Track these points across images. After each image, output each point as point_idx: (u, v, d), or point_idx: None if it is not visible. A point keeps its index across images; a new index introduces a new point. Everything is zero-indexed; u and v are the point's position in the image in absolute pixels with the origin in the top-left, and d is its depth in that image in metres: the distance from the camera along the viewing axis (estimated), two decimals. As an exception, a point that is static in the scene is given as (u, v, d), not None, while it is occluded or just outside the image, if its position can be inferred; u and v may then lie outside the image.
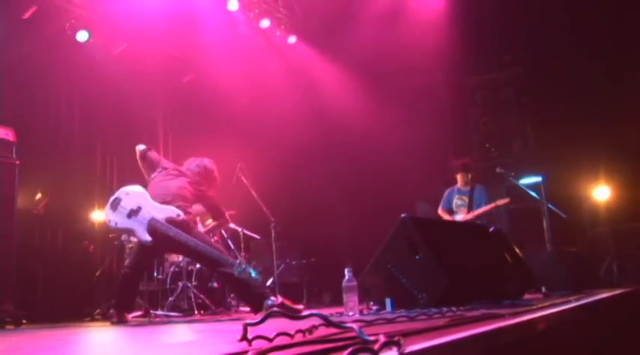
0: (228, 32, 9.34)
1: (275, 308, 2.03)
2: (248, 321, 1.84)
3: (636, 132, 7.87)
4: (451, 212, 7.63)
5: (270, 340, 1.81)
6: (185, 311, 6.66)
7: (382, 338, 1.50)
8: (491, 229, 5.39)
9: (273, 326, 2.00)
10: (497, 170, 7.49)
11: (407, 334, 1.86)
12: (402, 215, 4.28)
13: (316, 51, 10.19)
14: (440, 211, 7.73)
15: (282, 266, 8.31)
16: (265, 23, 9.52)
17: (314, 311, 1.81)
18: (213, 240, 5.58)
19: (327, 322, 1.81)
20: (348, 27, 9.59)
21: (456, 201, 7.60)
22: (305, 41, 10.12)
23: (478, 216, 7.29)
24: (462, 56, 9.39)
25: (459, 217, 7.47)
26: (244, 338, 1.78)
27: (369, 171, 9.70)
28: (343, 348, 1.43)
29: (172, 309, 6.68)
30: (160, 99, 9.63)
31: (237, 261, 4.69)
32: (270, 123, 9.64)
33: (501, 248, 5.16)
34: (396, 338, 1.51)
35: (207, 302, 6.82)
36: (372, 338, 1.57)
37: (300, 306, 5.26)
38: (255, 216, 7.77)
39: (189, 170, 5.46)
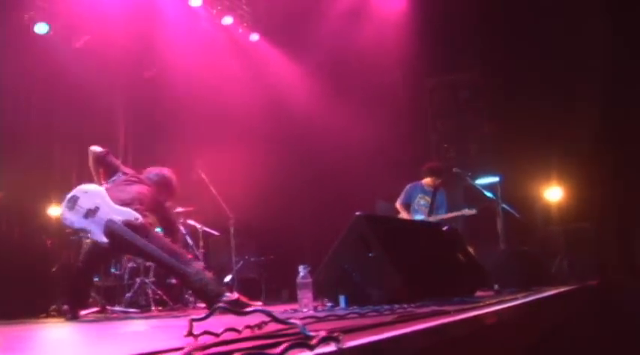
0: (191, 28, 9.31)
1: (221, 305, 2.07)
2: (194, 317, 1.87)
3: (587, 136, 8.13)
4: (408, 207, 7.66)
5: (217, 335, 1.85)
6: (143, 307, 6.59)
7: (322, 334, 1.55)
8: (445, 228, 5.51)
9: (224, 322, 2.03)
10: (454, 170, 7.58)
11: (351, 330, 1.91)
12: (357, 213, 4.36)
13: (278, 48, 10.22)
14: (398, 205, 7.71)
15: (241, 262, 8.29)
16: (228, 20, 9.51)
17: (259, 308, 1.85)
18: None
19: (273, 318, 1.86)
20: (310, 25, 9.63)
21: (419, 200, 7.63)
22: (267, 38, 10.14)
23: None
24: (420, 57, 9.52)
25: (420, 217, 7.50)
26: (190, 333, 1.82)
27: (330, 169, 9.73)
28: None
29: (130, 305, 6.60)
30: (121, 94, 9.50)
31: (194, 271, 4.69)
32: (231, 120, 9.59)
33: (454, 247, 5.28)
34: (335, 334, 1.56)
35: (165, 298, 6.79)
36: (314, 334, 1.62)
37: (259, 303, 5.30)
38: (213, 212, 7.75)
39: (148, 178, 5.40)
